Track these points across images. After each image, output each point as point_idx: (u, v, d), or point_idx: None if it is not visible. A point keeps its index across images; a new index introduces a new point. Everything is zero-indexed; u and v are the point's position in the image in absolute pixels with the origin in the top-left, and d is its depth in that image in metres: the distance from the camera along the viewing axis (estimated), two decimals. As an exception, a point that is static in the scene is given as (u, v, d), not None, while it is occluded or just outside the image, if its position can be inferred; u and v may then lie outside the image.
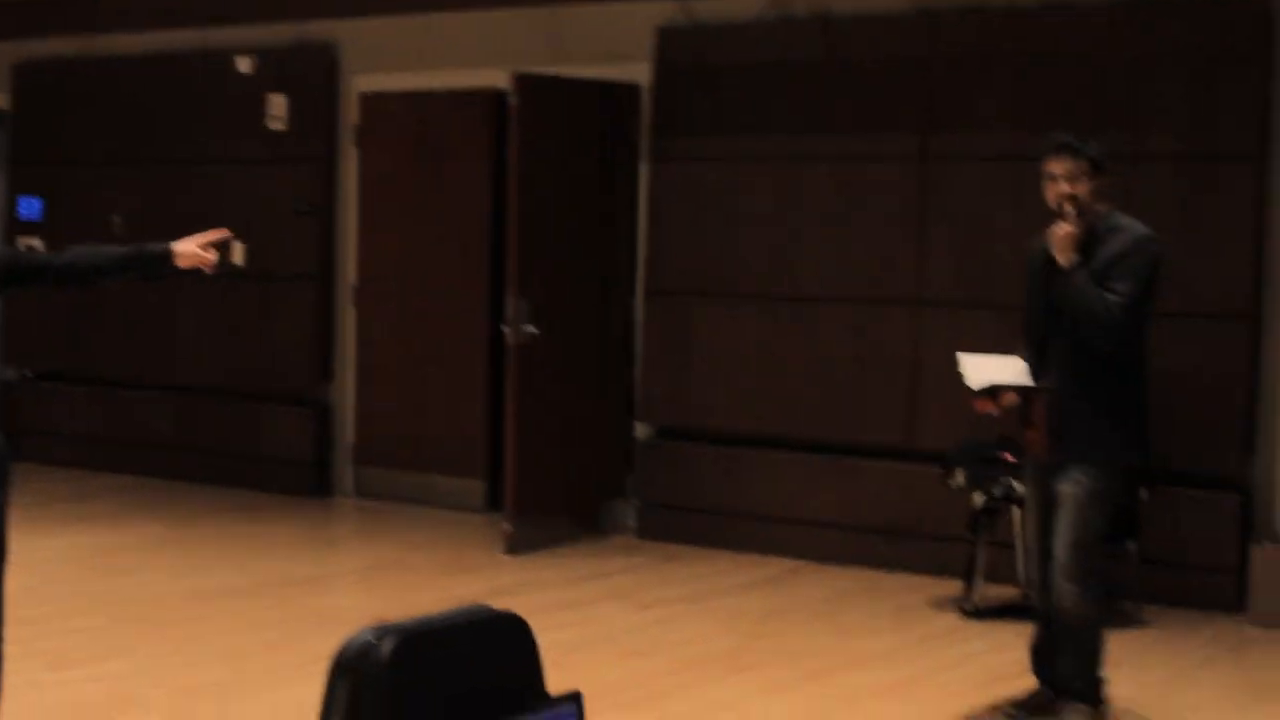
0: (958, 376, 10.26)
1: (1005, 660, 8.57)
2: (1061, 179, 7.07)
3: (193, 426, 13.55)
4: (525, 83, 10.88)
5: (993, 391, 7.23)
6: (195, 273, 6.44)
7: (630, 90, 11.60)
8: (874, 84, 10.76)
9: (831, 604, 9.85)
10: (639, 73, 11.60)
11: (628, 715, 7.55)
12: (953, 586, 9.92)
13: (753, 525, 11.12)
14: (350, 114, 12.92)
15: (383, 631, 3.87)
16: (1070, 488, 7.10)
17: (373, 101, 12.79)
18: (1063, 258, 7.02)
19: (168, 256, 6.30)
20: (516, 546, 10.87)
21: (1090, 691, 7.25)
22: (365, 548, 11.62)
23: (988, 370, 7.32)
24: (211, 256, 6.32)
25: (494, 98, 11.91)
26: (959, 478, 9.58)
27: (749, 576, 10.49)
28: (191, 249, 6.31)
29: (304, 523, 12.08)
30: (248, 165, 13.24)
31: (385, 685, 3.81)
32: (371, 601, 9.57)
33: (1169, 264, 7.44)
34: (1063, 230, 7.01)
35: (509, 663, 4.18)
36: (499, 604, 9.63)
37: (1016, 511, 9.66)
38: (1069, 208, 7.02)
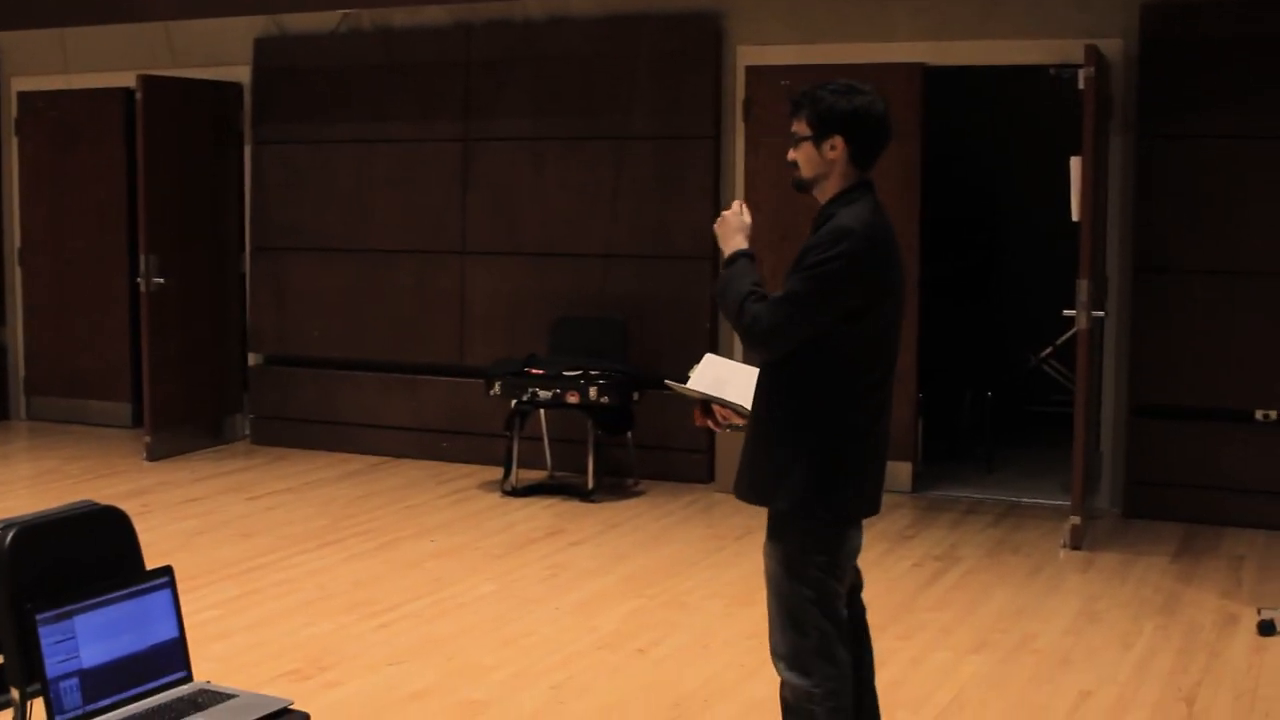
0: (496, 308, 10.68)
1: (534, 526, 8.93)
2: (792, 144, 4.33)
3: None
4: (149, 82, 10.80)
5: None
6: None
7: (235, 88, 11.56)
8: (425, 82, 10.83)
9: (404, 490, 9.94)
10: (242, 74, 11.56)
11: (240, 583, 7.61)
12: (495, 473, 10.09)
13: (343, 431, 11.19)
14: (10, 109, 12.64)
15: (6, 524, 4.01)
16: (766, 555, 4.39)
17: (28, 99, 12.48)
18: (728, 242, 4.42)
19: None
20: (155, 454, 10.85)
21: None
22: (35, 460, 11.37)
23: (711, 376, 4.54)
24: None
25: (125, 95, 11.75)
26: (496, 388, 9.67)
27: (340, 471, 10.55)
28: None
29: (-17, 442, 11.83)
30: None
31: (7, 566, 3.94)
32: (38, 502, 9.21)
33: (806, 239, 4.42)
34: (733, 209, 4.46)
35: (111, 545, 4.28)
36: (139, 501, 9.71)
37: (542, 413, 10.03)
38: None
